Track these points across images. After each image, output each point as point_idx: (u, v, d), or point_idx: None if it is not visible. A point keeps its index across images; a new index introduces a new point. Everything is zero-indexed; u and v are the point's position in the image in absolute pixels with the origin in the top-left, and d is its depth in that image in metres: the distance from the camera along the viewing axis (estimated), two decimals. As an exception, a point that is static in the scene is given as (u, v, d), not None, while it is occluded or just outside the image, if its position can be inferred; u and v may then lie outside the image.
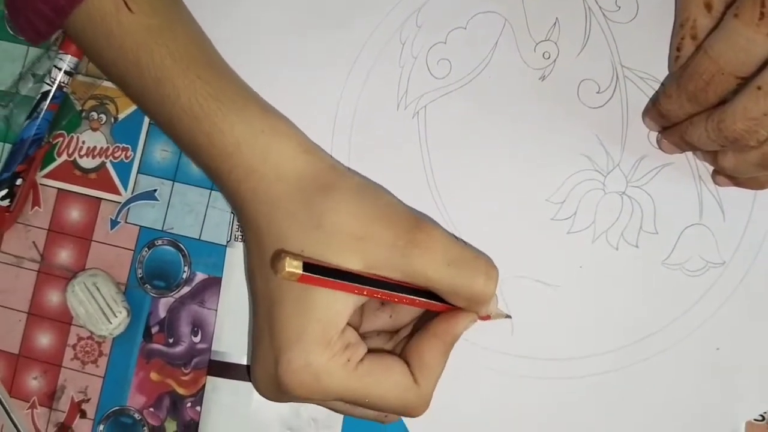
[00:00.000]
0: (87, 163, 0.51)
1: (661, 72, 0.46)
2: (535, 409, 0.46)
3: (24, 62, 0.52)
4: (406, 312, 0.45)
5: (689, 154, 0.46)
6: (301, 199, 0.40)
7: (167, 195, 0.50)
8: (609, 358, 0.46)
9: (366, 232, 0.40)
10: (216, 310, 0.49)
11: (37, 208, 0.51)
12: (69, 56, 0.49)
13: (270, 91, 0.47)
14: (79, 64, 0.50)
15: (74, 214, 0.50)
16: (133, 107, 0.51)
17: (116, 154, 0.51)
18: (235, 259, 0.49)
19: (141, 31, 0.42)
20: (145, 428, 0.49)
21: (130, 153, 0.51)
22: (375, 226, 0.40)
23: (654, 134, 0.46)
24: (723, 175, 0.45)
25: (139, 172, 0.50)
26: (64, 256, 0.50)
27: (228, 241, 0.49)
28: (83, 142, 0.51)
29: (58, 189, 0.51)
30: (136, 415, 0.49)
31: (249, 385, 0.47)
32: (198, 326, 0.49)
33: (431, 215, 0.47)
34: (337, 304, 0.39)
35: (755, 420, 0.45)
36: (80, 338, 0.50)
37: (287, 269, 0.35)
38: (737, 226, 0.46)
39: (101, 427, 0.49)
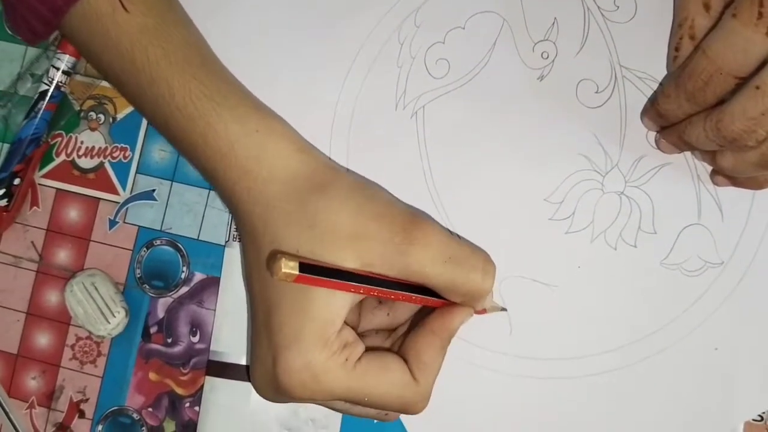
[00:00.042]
0: (85, 163, 0.51)
1: (660, 72, 0.46)
2: (533, 409, 0.46)
3: (22, 62, 0.52)
4: (404, 310, 0.45)
5: (688, 154, 0.46)
6: (296, 198, 0.40)
7: (166, 195, 0.50)
8: (607, 358, 0.46)
9: (362, 231, 0.40)
10: (214, 310, 0.49)
11: (35, 208, 0.51)
12: (67, 56, 0.49)
13: (269, 91, 0.47)
14: (77, 63, 0.50)
15: (73, 214, 0.50)
16: (132, 107, 0.51)
17: (115, 154, 0.51)
18: (233, 259, 0.49)
19: (137, 30, 0.42)
20: (144, 428, 0.49)
21: (128, 153, 0.50)
22: (371, 224, 0.40)
23: (653, 134, 0.46)
24: (721, 175, 0.45)
25: (137, 172, 0.50)
26: (63, 256, 0.50)
27: (226, 241, 0.49)
28: (82, 142, 0.51)
29: (57, 189, 0.51)
30: (135, 415, 0.49)
31: (247, 385, 0.47)
32: (196, 326, 0.49)
33: (430, 215, 0.47)
34: (334, 303, 0.39)
35: (754, 420, 0.45)
36: (79, 338, 0.50)
37: (283, 270, 0.35)
38: (736, 226, 0.46)
39: (100, 427, 0.49)
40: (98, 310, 0.48)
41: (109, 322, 0.48)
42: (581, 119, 0.47)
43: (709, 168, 0.46)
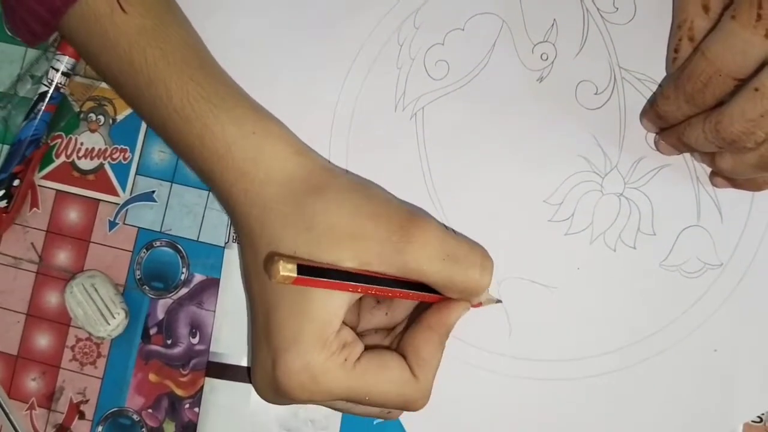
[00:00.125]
0: (85, 164, 0.51)
1: (659, 73, 0.46)
2: (533, 410, 0.46)
3: (22, 64, 0.52)
4: (402, 308, 0.45)
5: (687, 155, 0.46)
6: (292, 201, 0.41)
7: (165, 196, 0.50)
8: (606, 360, 0.46)
9: (359, 230, 0.40)
10: (214, 312, 0.49)
11: (35, 209, 0.51)
12: (66, 57, 0.49)
13: (268, 92, 0.47)
14: (76, 65, 0.50)
15: (72, 215, 0.50)
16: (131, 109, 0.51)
17: (114, 156, 0.51)
18: (233, 260, 0.49)
19: (135, 32, 0.42)
20: (144, 429, 0.49)
21: (128, 154, 0.51)
22: (367, 224, 0.40)
23: (652, 135, 0.46)
24: (721, 176, 0.45)
25: (137, 173, 0.50)
26: (63, 257, 0.50)
27: (226, 243, 0.49)
28: (81, 144, 0.51)
29: (57, 190, 0.51)
30: (135, 416, 0.49)
31: (247, 386, 0.47)
32: (196, 327, 0.49)
33: (427, 212, 0.47)
34: (332, 304, 0.39)
35: (753, 422, 0.45)
36: (79, 339, 0.50)
37: (281, 273, 0.35)
38: (735, 228, 0.46)
39: (100, 428, 0.49)
40: (98, 311, 0.48)
41: (109, 324, 0.48)
42: (580, 121, 0.47)
43: (709, 169, 0.46)
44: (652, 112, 0.44)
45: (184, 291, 0.49)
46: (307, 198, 0.41)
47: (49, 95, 0.49)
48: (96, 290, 0.48)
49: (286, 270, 0.35)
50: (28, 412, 0.50)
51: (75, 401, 0.49)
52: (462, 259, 0.41)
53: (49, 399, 0.50)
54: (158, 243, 0.50)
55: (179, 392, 0.49)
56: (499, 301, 0.46)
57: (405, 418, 0.46)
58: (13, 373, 0.50)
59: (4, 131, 0.51)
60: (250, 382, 0.47)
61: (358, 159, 0.48)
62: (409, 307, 0.45)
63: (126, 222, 0.50)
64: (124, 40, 0.42)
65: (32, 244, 0.51)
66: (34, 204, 0.51)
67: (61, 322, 0.50)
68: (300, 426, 0.47)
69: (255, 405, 0.47)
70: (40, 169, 0.51)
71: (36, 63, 0.51)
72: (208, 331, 0.49)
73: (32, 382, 0.50)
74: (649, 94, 0.46)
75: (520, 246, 0.47)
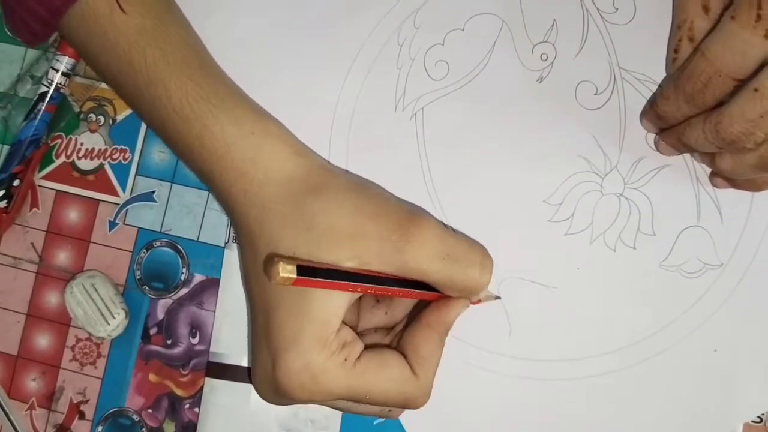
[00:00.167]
0: (85, 164, 0.51)
1: (659, 74, 0.46)
2: (533, 410, 0.46)
3: (22, 64, 0.52)
4: (402, 307, 0.45)
5: (687, 156, 0.46)
6: (291, 201, 0.41)
7: (165, 196, 0.50)
8: (607, 360, 0.46)
9: (358, 230, 0.40)
10: (214, 312, 0.49)
11: (35, 209, 0.51)
12: (66, 58, 0.49)
13: (268, 92, 0.47)
14: (76, 65, 0.50)
15: (72, 215, 0.50)
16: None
17: (114, 156, 0.51)
18: (233, 260, 0.49)
19: (134, 32, 0.42)
20: (144, 429, 0.49)
21: (128, 155, 0.51)
22: (367, 223, 0.40)
23: (652, 136, 0.46)
24: (720, 177, 0.45)
25: (137, 173, 0.50)
26: (63, 257, 0.50)
27: (226, 243, 0.49)
28: (81, 144, 0.51)
29: (57, 190, 0.51)
30: (135, 417, 0.49)
31: (247, 386, 0.47)
32: (196, 328, 0.49)
33: (427, 211, 0.47)
34: (332, 304, 0.39)
35: (753, 422, 0.45)
36: (79, 339, 0.50)
37: (281, 275, 0.35)
38: (735, 228, 0.46)
39: (100, 429, 0.49)
40: (98, 311, 0.48)
41: (109, 324, 0.48)
42: (580, 121, 0.47)
43: (708, 170, 0.46)
44: (651, 112, 0.44)
45: (184, 291, 0.49)
46: (306, 198, 0.41)
47: (49, 95, 0.49)
48: (96, 290, 0.48)
49: (286, 271, 0.35)
50: (28, 412, 0.50)
51: (75, 401, 0.49)
52: (462, 258, 0.41)
53: (49, 399, 0.50)
54: (158, 243, 0.50)
55: (179, 392, 0.49)
56: (498, 298, 0.46)
57: (405, 418, 0.46)
58: (13, 373, 0.50)
59: (4, 131, 0.51)
60: (250, 382, 0.47)
61: (358, 159, 0.48)
62: (408, 306, 0.45)
63: (126, 222, 0.50)
64: (124, 41, 0.42)
65: (32, 244, 0.51)
66: (34, 204, 0.51)
67: (61, 322, 0.50)
68: (300, 426, 0.47)
69: (255, 405, 0.47)
70: (40, 170, 0.51)
71: (36, 63, 0.51)
72: (208, 331, 0.49)
73: (32, 382, 0.50)
74: (649, 95, 0.46)
75: (520, 246, 0.47)
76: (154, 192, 0.50)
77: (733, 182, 0.44)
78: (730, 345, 0.45)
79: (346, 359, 0.39)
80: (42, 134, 0.50)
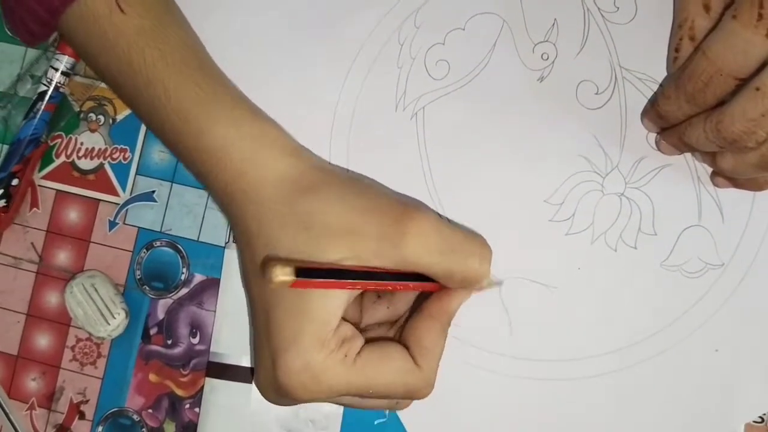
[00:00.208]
0: (85, 164, 0.51)
1: (660, 73, 0.46)
2: (534, 410, 0.46)
3: (22, 64, 0.52)
4: (404, 301, 0.45)
5: (688, 155, 0.46)
6: (288, 200, 0.41)
7: (165, 196, 0.50)
8: (608, 360, 0.46)
9: (354, 227, 0.40)
10: (214, 312, 0.49)
11: (35, 209, 0.51)
12: (66, 57, 0.49)
13: (269, 92, 0.47)
14: (76, 64, 0.50)
15: (73, 215, 0.50)
16: (131, 109, 0.51)
17: (114, 156, 0.51)
18: (233, 260, 0.48)
19: (134, 32, 0.42)
20: (144, 429, 0.49)
21: (128, 154, 0.50)
22: (363, 219, 0.40)
23: (653, 135, 0.46)
24: (722, 176, 0.45)
25: (137, 173, 0.50)
26: (63, 257, 0.50)
27: (226, 243, 0.49)
28: (81, 144, 0.51)
29: (57, 190, 0.51)
30: (135, 417, 0.49)
31: (247, 386, 0.47)
32: (196, 327, 0.49)
33: (424, 203, 0.47)
34: (331, 303, 0.39)
35: (754, 422, 0.45)
36: (79, 339, 0.50)
37: (279, 278, 0.35)
38: (736, 228, 0.46)
39: (100, 429, 0.49)
40: (98, 311, 0.48)
41: (109, 324, 0.48)
42: (581, 120, 0.47)
43: (710, 169, 0.46)
44: (653, 111, 0.44)
45: (184, 291, 0.49)
46: (301, 198, 0.41)
47: (48, 95, 0.49)
48: (96, 290, 0.48)
49: (284, 274, 0.35)
50: (28, 412, 0.50)
51: (75, 401, 0.49)
52: (460, 249, 0.41)
53: (49, 399, 0.50)
54: (158, 243, 0.50)
55: (179, 392, 0.49)
56: (500, 283, 0.46)
57: (406, 418, 0.46)
58: (13, 373, 0.50)
59: (4, 131, 0.51)
60: (251, 382, 0.47)
61: (359, 159, 0.48)
62: (410, 299, 0.45)
63: (126, 222, 0.50)
64: (123, 41, 0.42)
65: (32, 244, 0.51)
66: (34, 204, 0.51)
67: (61, 322, 0.50)
68: (300, 426, 0.47)
69: (255, 405, 0.47)
70: (40, 169, 0.51)
71: (36, 63, 0.51)
72: (208, 332, 0.49)
73: (32, 382, 0.50)
74: (650, 94, 0.46)
75: (521, 246, 0.47)
76: (154, 192, 0.50)
77: (735, 182, 0.44)
78: (731, 345, 0.45)
79: (346, 355, 0.39)
80: (41, 133, 0.50)
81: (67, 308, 0.49)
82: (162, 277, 0.49)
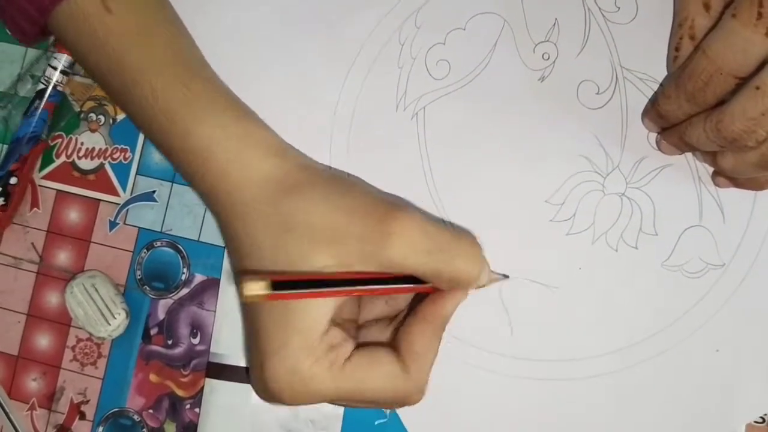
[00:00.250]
0: (86, 164, 0.51)
1: (661, 73, 0.46)
2: (534, 410, 0.46)
3: (22, 63, 0.52)
4: (403, 297, 0.44)
5: (689, 155, 0.46)
6: (272, 202, 0.40)
7: (166, 196, 0.50)
8: (608, 360, 0.46)
9: (337, 229, 0.39)
10: (215, 312, 0.49)
11: (35, 209, 0.51)
12: (64, 56, 0.49)
13: (269, 91, 0.47)
14: (74, 64, 0.50)
15: (73, 215, 0.50)
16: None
17: (115, 156, 0.51)
18: (233, 260, 0.48)
19: (123, 31, 0.42)
20: (144, 430, 0.49)
21: (128, 154, 0.51)
22: (346, 221, 0.39)
23: (653, 135, 0.46)
24: (722, 176, 0.44)
25: (137, 173, 0.50)
26: (63, 257, 0.50)
27: (227, 243, 0.49)
28: (82, 144, 0.51)
29: (57, 190, 0.51)
30: (136, 417, 0.49)
31: (247, 386, 0.47)
32: (197, 328, 0.49)
33: (409, 202, 0.47)
34: (316, 311, 0.38)
35: (755, 422, 0.45)
36: (79, 340, 0.50)
37: (251, 292, 0.35)
38: (737, 228, 0.45)
39: (100, 429, 0.49)
40: (99, 311, 0.48)
41: (110, 324, 0.48)
42: (582, 120, 0.47)
43: (711, 169, 0.46)
44: (653, 111, 0.44)
45: (184, 291, 0.49)
46: (284, 198, 0.40)
47: (47, 93, 0.49)
48: (96, 290, 0.48)
49: (257, 289, 0.35)
50: (29, 412, 0.50)
51: (76, 402, 0.49)
52: (446, 250, 0.40)
53: (49, 399, 0.50)
54: (159, 243, 0.49)
55: (180, 393, 0.49)
56: (506, 276, 0.45)
57: (406, 418, 0.46)
58: (13, 373, 0.50)
59: (4, 131, 0.51)
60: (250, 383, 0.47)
61: (359, 159, 0.48)
62: (410, 295, 0.44)
63: (126, 222, 0.50)
64: (113, 40, 0.42)
65: (33, 244, 0.51)
66: (35, 204, 0.51)
67: (62, 322, 0.50)
68: (300, 426, 0.47)
69: (255, 405, 0.47)
70: (41, 169, 0.51)
71: (36, 63, 0.51)
72: (208, 332, 0.49)
73: (33, 383, 0.50)
74: (650, 94, 0.46)
75: (522, 246, 0.47)
76: (154, 192, 0.50)
77: (736, 181, 0.44)
78: (732, 345, 0.45)
79: (333, 362, 0.39)
80: (40, 132, 0.50)
81: (67, 308, 0.49)
82: (162, 277, 0.49)
